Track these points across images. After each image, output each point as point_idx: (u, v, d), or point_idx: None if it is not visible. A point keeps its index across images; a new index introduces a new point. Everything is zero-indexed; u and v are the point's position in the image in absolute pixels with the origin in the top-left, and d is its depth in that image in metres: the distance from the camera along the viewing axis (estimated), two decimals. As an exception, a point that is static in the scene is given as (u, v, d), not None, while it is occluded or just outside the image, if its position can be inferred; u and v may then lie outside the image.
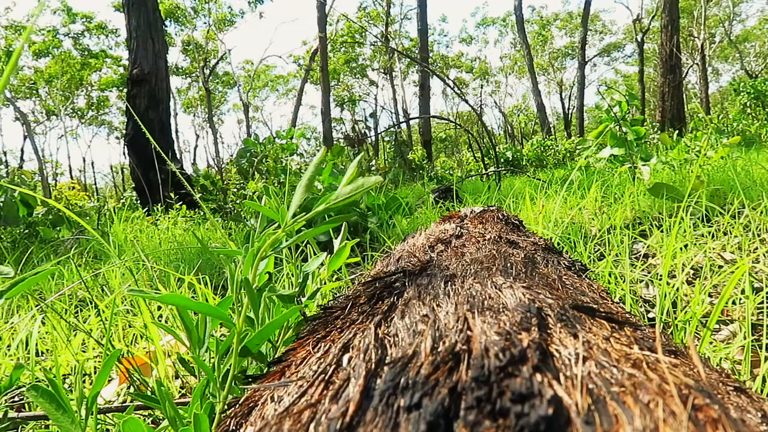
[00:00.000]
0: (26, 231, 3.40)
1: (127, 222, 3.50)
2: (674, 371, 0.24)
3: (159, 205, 4.31)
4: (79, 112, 28.46)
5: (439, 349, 0.26)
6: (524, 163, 10.06)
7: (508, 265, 0.48)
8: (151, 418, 0.77)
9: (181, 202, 4.35)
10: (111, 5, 22.06)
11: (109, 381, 0.92)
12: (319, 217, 1.91)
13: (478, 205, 1.41)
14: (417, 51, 15.31)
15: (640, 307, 1.05)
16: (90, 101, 27.90)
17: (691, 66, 28.99)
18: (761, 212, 1.51)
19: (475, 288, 0.37)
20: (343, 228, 0.75)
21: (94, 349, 1.04)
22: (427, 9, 8.73)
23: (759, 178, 2.43)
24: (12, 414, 0.67)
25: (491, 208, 1.08)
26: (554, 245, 0.95)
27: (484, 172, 4.87)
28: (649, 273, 1.29)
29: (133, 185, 6.42)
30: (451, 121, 4.57)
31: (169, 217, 3.80)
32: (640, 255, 1.49)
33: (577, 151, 9.63)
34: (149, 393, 0.69)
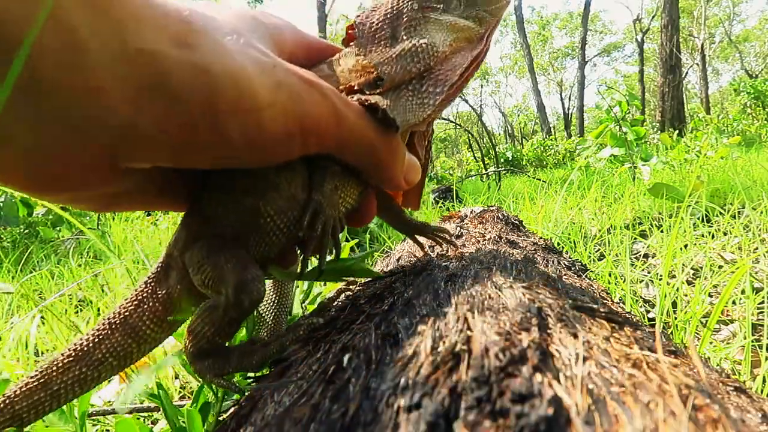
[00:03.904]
0: (26, 231, 3.40)
1: (127, 222, 3.50)
2: (674, 371, 0.24)
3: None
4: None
5: (439, 349, 0.26)
6: (524, 163, 10.06)
7: (508, 265, 0.48)
8: (150, 419, 0.77)
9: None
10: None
11: (109, 381, 0.92)
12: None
13: (478, 205, 1.41)
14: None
15: (640, 307, 1.05)
16: (90, 101, 27.87)
17: (691, 66, 29.00)
18: (761, 212, 1.51)
19: (475, 288, 0.37)
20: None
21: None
22: (427, 9, 8.71)
23: (759, 178, 2.44)
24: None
25: (491, 208, 1.08)
26: (554, 245, 0.95)
27: (484, 172, 4.87)
28: (649, 273, 1.29)
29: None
30: (451, 121, 4.57)
31: (169, 217, 3.80)
32: (640, 255, 1.49)
33: (577, 151, 9.65)
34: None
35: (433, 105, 0.46)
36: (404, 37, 0.47)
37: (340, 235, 0.48)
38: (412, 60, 0.46)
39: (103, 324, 0.46)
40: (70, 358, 0.45)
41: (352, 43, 0.49)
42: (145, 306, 0.46)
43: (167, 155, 0.34)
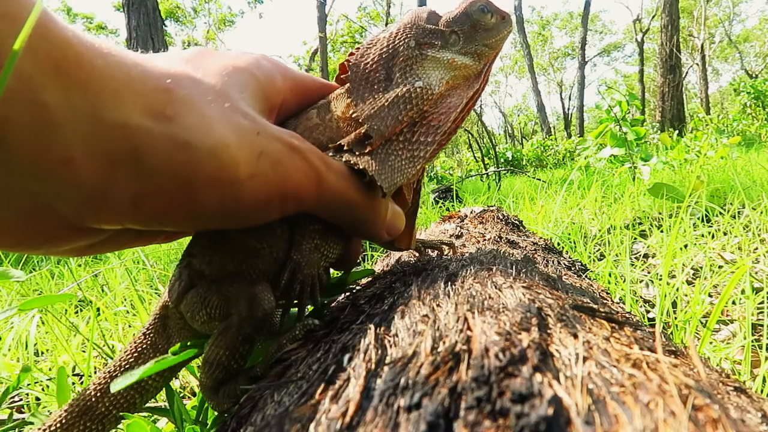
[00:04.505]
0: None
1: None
2: (674, 371, 0.24)
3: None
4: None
5: (439, 349, 0.26)
6: (524, 163, 10.06)
7: (508, 265, 0.48)
8: (151, 418, 0.77)
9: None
10: (111, 5, 22.09)
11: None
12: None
13: (478, 205, 1.41)
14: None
15: (640, 307, 1.05)
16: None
17: (691, 66, 29.01)
18: (761, 212, 1.51)
19: (475, 288, 0.37)
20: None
21: (93, 349, 1.04)
22: (427, 9, 8.77)
23: (759, 178, 2.44)
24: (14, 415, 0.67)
25: (491, 208, 1.08)
26: (554, 245, 0.95)
27: (484, 172, 4.87)
28: (649, 273, 1.29)
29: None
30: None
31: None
32: (640, 255, 1.49)
33: (577, 151, 9.64)
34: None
35: (424, 158, 0.44)
36: (399, 80, 0.45)
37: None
38: (405, 107, 0.44)
39: (105, 377, 0.46)
40: (74, 414, 0.45)
41: (345, 86, 0.47)
42: (146, 357, 0.46)
43: (138, 222, 0.33)
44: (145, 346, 0.47)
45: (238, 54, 0.42)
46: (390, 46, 0.46)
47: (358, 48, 0.48)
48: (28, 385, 0.84)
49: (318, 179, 0.40)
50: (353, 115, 0.44)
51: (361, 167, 0.42)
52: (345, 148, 0.44)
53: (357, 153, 0.43)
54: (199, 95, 0.34)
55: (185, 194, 0.32)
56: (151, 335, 0.47)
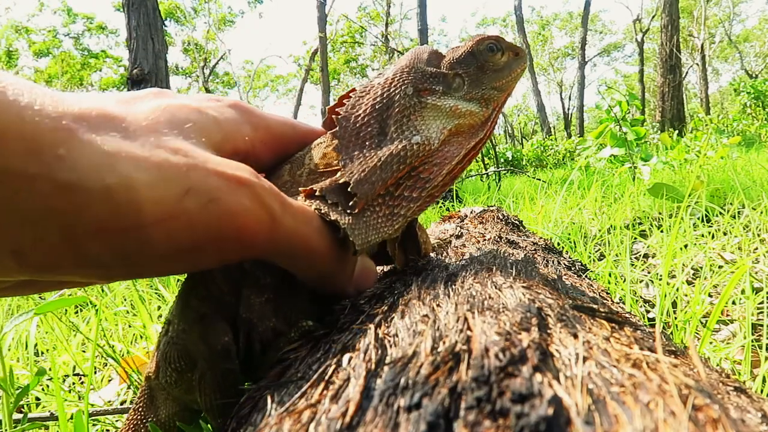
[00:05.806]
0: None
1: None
2: (674, 371, 0.24)
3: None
4: (79, 112, 28.43)
5: (439, 349, 0.26)
6: (524, 163, 10.07)
7: (508, 265, 0.48)
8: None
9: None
10: (111, 5, 22.10)
11: (110, 381, 0.92)
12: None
13: (478, 205, 1.41)
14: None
15: (640, 307, 1.05)
16: (90, 101, 27.86)
17: (691, 66, 29.03)
18: (761, 212, 1.51)
19: (475, 288, 0.37)
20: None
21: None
22: (427, 9, 8.81)
23: (759, 178, 2.44)
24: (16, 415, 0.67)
25: (491, 208, 1.08)
26: (554, 245, 0.95)
27: (484, 172, 4.87)
28: (649, 273, 1.29)
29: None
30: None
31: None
32: (640, 255, 1.49)
33: (577, 151, 9.65)
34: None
35: (404, 216, 0.39)
36: (394, 134, 0.39)
37: None
38: (398, 166, 0.39)
39: None
40: None
41: (330, 138, 0.42)
42: None
43: (27, 274, 0.29)
44: (136, 421, 0.47)
45: (200, 98, 0.38)
46: (385, 95, 0.41)
47: (350, 95, 0.42)
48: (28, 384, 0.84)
49: (271, 221, 0.34)
50: (341, 181, 0.39)
51: (332, 218, 0.37)
52: (318, 193, 0.39)
53: (330, 202, 0.38)
54: (109, 131, 0.29)
55: (69, 244, 0.28)
56: (141, 410, 0.47)
